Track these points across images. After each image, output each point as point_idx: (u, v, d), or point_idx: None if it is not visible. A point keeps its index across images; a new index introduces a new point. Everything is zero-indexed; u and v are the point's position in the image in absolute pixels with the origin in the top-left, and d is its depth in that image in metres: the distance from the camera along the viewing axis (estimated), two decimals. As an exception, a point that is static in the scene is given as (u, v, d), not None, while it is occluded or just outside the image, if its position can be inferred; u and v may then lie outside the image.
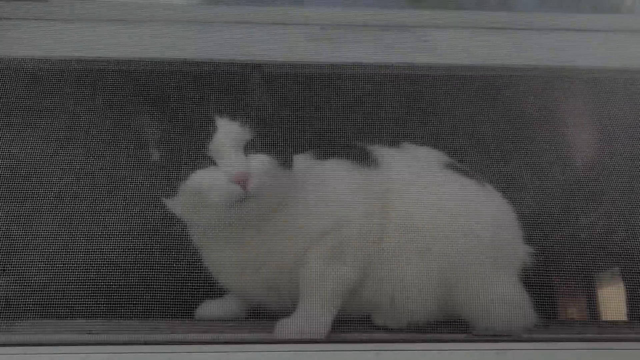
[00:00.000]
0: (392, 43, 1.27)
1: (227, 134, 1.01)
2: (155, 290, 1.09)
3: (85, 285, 1.13)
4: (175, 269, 1.12)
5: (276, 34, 1.25)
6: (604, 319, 1.25)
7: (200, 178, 0.99)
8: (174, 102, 1.12)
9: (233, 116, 1.03)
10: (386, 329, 1.08)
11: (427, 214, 1.08)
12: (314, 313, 1.02)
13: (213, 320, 1.14)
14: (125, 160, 1.14)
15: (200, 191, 0.99)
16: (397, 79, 1.29)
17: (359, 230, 1.07)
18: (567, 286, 1.31)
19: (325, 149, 1.18)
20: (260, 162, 1.01)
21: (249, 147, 1.02)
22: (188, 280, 1.12)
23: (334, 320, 1.03)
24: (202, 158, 1.00)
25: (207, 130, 1.01)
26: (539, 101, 1.33)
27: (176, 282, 1.09)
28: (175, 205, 1.04)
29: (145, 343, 0.87)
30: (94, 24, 1.22)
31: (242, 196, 0.98)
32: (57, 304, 1.07)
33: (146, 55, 1.23)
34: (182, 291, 1.10)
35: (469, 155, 1.23)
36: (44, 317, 1.05)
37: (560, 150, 1.35)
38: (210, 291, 1.15)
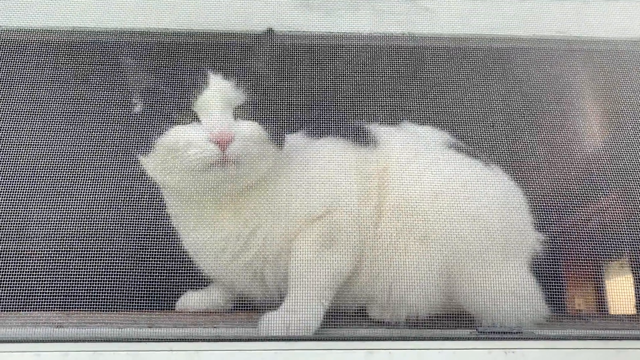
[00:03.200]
0: (390, 11, 1.18)
1: (218, 91, 0.93)
2: (132, 280, 1.01)
3: (55, 275, 1.04)
4: (154, 256, 1.02)
5: (262, 1, 1.15)
6: (624, 314, 1.15)
7: (178, 133, 0.91)
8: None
9: (227, 75, 0.95)
10: (383, 323, 1.00)
11: (428, 197, 1.00)
12: (303, 306, 0.94)
13: (190, 313, 1.07)
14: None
15: (176, 147, 0.91)
16: (395, 51, 1.20)
17: (353, 214, 0.99)
18: (582, 276, 1.21)
19: (319, 126, 1.10)
20: (247, 127, 0.93)
21: (240, 113, 0.94)
22: (168, 269, 1.03)
23: (326, 314, 0.95)
24: (186, 114, 0.92)
25: (196, 86, 0.93)
26: (551, 75, 1.24)
27: (155, 271, 1.00)
28: (150, 163, 0.96)
29: (107, 340, 0.78)
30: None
31: (219, 158, 0.89)
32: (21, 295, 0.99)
33: (123, 25, 1.14)
34: (163, 281, 1.01)
35: (475, 135, 1.14)
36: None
37: (574, 129, 1.25)
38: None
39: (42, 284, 1.01)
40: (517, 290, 0.99)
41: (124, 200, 1.06)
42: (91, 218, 1.08)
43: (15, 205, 1.04)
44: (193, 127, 0.92)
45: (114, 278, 1.06)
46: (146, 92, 1.00)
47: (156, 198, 1.04)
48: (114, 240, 1.07)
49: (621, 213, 1.17)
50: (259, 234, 0.98)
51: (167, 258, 1.04)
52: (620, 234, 1.11)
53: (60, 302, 1.01)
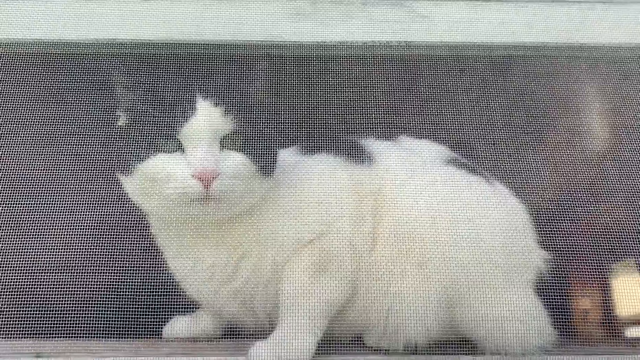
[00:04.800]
0: (385, 19, 1.12)
1: (206, 120, 0.88)
2: (116, 305, 0.98)
3: (34, 300, 0.99)
4: (138, 279, 0.99)
5: (250, 10, 1.10)
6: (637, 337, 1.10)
7: (160, 163, 0.86)
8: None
9: (217, 101, 0.90)
10: (379, 351, 0.96)
11: (427, 218, 0.95)
12: (294, 337, 0.90)
13: (176, 341, 1.02)
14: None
15: (155, 178, 0.86)
16: (391, 61, 1.14)
17: (346, 238, 0.94)
18: (592, 297, 1.16)
19: (311, 143, 1.05)
20: (234, 161, 0.88)
21: (227, 142, 0.89)
22: (154, 293, 0.98)
23: (318, 344, 0.91)
24: (170, 140, 0.87)
25: (183, 110, 0.88)
26: (555, 85, 1.18)
27: (140, 296, 0.97)
28: (129, 185, 0.92)
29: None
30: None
31: (202, 195, 0.85)
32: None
33: (105, 36, 1.09)
34: (148, 306, 0.97)
35: (475, 149, 1.11)
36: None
37: (579, 141, 1.19)
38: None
39: (20, 309, 0.97)
40: (522, 316, 0.94)
41: (106, 221, 1.03)
42: (73, 240, 1.04)
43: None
44: (176, 158, 0.86)
45: (97, 302, 1.04)
46: (129, 109, 0.94)
47: (141, 219, 1.00)
48: (96, 262, 1.04)
49: (630, 226, 1.12)
50: (247, 261, 0.93)
51: (153, 282, 0.99)
52: (630, 247, 1.06)
53: (39, 329, 0.96)
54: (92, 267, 1.03)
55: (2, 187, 1.01)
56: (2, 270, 0.99)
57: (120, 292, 0.99)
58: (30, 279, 1.00)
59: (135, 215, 0.98)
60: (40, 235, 1.02)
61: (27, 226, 1.01)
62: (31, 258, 1.01)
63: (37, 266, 1.01)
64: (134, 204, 0.95)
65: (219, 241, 0.93)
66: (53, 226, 1.02)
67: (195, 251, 0.93)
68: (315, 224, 0.93)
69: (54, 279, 1.01)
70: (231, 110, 0.90)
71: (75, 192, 1.01)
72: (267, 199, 0.93)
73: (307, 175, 0.97)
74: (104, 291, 1.05)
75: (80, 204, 1.02)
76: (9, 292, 0.98)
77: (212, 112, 0.89)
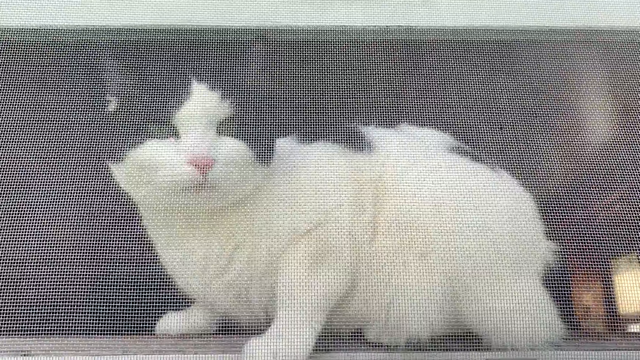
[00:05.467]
0: (386, 2, 1.10)
1: (202, 104, 0.85)
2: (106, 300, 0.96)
3: (20, 298, 0.97)
4: (129, 274, 0.96)
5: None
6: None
7: (152, 149, 0.84)
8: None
9: (212, 86, 0.87)
10: (380, 347, 0.93)
11: (430, 206, 0.92)
12: (292, 331, 0.86)
13: (168, 338, 0.99)
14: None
15: (148, 165, 0.83)
16: (392, 46, 1.11)
17: (345, 228, 0.91)
18: (601, 289, 1.13)
19: (310, 130, 1.02)
20: (230, 147, 0.85)
21: (224, 128, 0.86)
22: (145, 288, 0.95)
23: (317, 339, 0.88)
24: (164, 126, 0.85)
25: (178, 95, 0.85)
26: (563, 71, 1.15)
27: (131, 290, 0.94)
28: (119, 174, 0.89)
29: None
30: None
31: (197, 183, 0.82)
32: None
33: (101, 23, 1.07)
34: (139, 301, 0.93)
35: (479, 137, 1.07)
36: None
37: (587, 129, 1.16)
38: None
39: (6, 307, 0.94)
40: (530, 308, 0.91)
41: (95, 213, 0.99)
42: (60, 235, 1.01)
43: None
44: (170, 144, 0.84)
45: (86, 299, 1.01)
46: (120, 94, 0.92)
47: (131, 210, 0.97)
48: (85, 257, 1.01)
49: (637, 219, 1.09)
50: (241, 252, 0.90)
51: (144, 276, 0.96)
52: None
53: (27, 326, 0.93)
54: (80, 262, 1.00)
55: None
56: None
57: (110, 288, 0.97)
58: (16, 275, 0.97)
59: (125, 205, 0.95)
60: (26, 230, 0.99)
61: (12, 221, 0.99)
62: (17, 254, 0.98)
63: (23, 262, 0.98)
64: (124, 193, 0.92)
65: (211, 231, 0.89)
66: (39, 221, 0.99)
67: (186, 242, 0.90)
68: (313, 213, 0.90)
69: (41, 275, 0.98)
70: (227, 96, 0.87)
71: (62, 183, 0.98)
72: (262, 187, 0.90)
73: (304, 162, 0.94)
74: (93, 287, 1.01)
75: (66, 196, 0.99)
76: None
77: (207, 95, 0.86)
